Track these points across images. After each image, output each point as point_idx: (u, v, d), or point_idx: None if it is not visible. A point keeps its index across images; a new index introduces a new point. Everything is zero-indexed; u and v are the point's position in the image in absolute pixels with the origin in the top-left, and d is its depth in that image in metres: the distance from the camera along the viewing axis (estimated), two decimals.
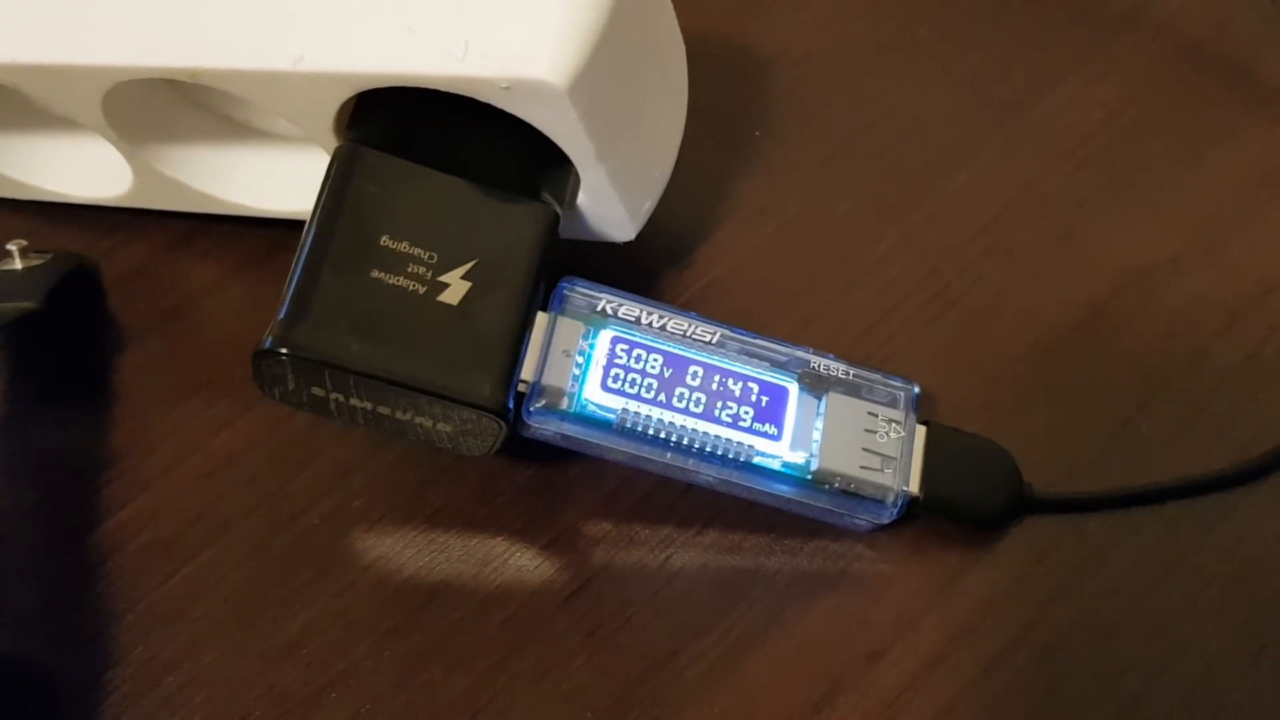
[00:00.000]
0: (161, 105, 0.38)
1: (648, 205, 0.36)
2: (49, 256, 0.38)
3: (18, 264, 0.37)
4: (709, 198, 0.41)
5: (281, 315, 0.31)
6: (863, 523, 0.33)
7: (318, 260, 0.31)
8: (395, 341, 0.31)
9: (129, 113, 0.36)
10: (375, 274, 0.31)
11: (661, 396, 0.32)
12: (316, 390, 0.31)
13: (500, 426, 0.31)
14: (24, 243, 0.38)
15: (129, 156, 0.37)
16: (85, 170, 0.40)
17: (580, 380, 0.32)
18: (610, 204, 0.34)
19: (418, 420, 0.31)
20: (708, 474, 0.33)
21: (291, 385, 0.31)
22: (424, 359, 0.31)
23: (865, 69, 0.43)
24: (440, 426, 0.31)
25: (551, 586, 0.34)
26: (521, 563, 0.35)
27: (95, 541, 0.35)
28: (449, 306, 0.31)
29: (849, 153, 0.42)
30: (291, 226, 0.39)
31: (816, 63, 0.43)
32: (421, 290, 0.31)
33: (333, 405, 0.32)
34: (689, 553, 0.34)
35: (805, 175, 0.41)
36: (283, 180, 0.39)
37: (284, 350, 0.30)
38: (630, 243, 0.36)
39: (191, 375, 0.38)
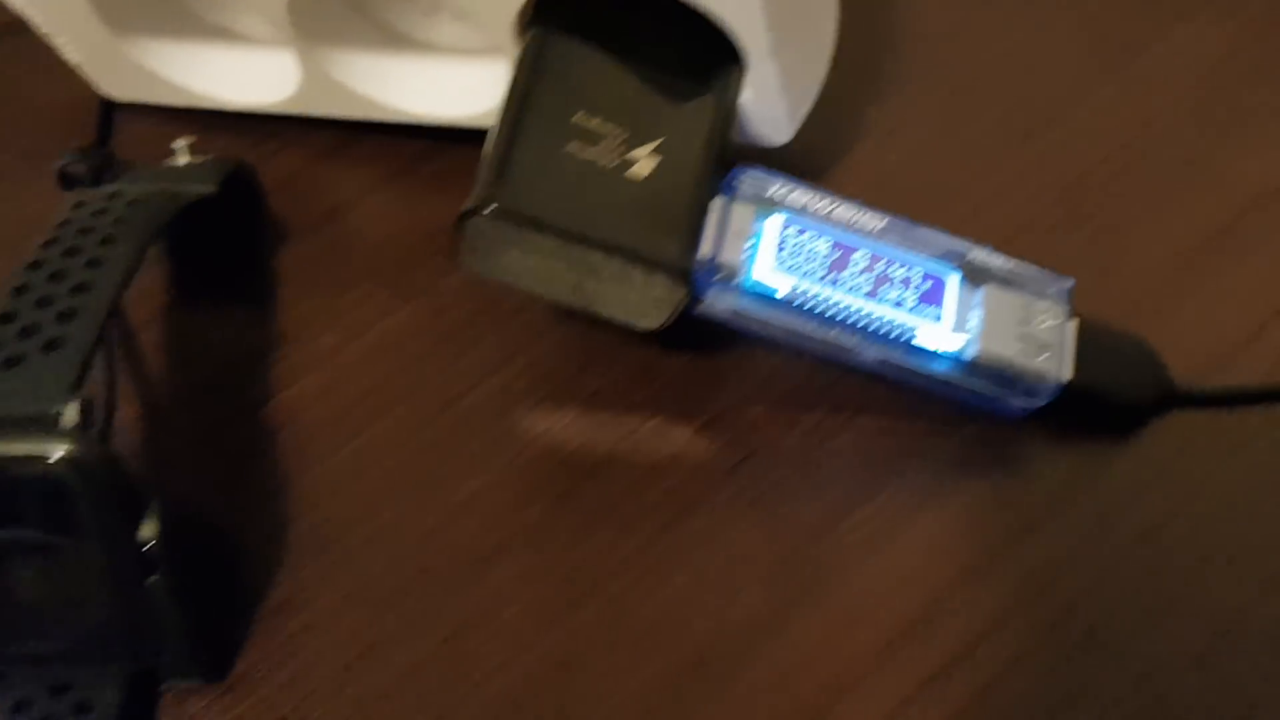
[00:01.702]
0: (337, 12, 0.40)
1: (804, 109, 0.37)
2: (209, 158, 0.39)
3: (185, 160, 0.39)
4: (843, 119, 0.42)
5: (486, 180, 0.32)
6: (1015, 407, 0.35)
7: (516, 134, 0.33)
8: (591, 207, 0.33)
9: (309, 16, 0.38)
10: (570, 147, 0.33)
11: (829, 276, 0.34)
12: (511, 255, 0.33)
13: (682, 292, 0.32)
14: (192, 139, 0.39)
15: (302, 58, 0.39)
16: (248, 77, 0.42)
17: (752, 259, 0.34)
18: (773, 102, 0.36)
19: (603, 288, 0.33)
20: (870, 353, 0.34)
21: (488, 249, 0.33)
22: (617, 224, 0.33)
23: (990, 7, 0.45)
24: (623, 294, 0.33)
25: (712, 460, 0.35)
26: (681, 440, 0.36)
27: (268, 415, 0.36)
28: (638, 180, 0.33)
29: (976, 84, 0.43)
30: (437, 139, 0.41)
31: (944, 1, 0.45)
32: (613, 164, 0.33)
33: (523, 272, 0.34)
34: (843, 435, 0.36)
35: (934, 103, 0.43)
36: (440, 88, 0.40)
37: (492, 208, 0.32)
38: (767, 157, 0.38)
39: (349, 270, 0.40)
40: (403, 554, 0.34)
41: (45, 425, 0.28)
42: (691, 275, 0.32)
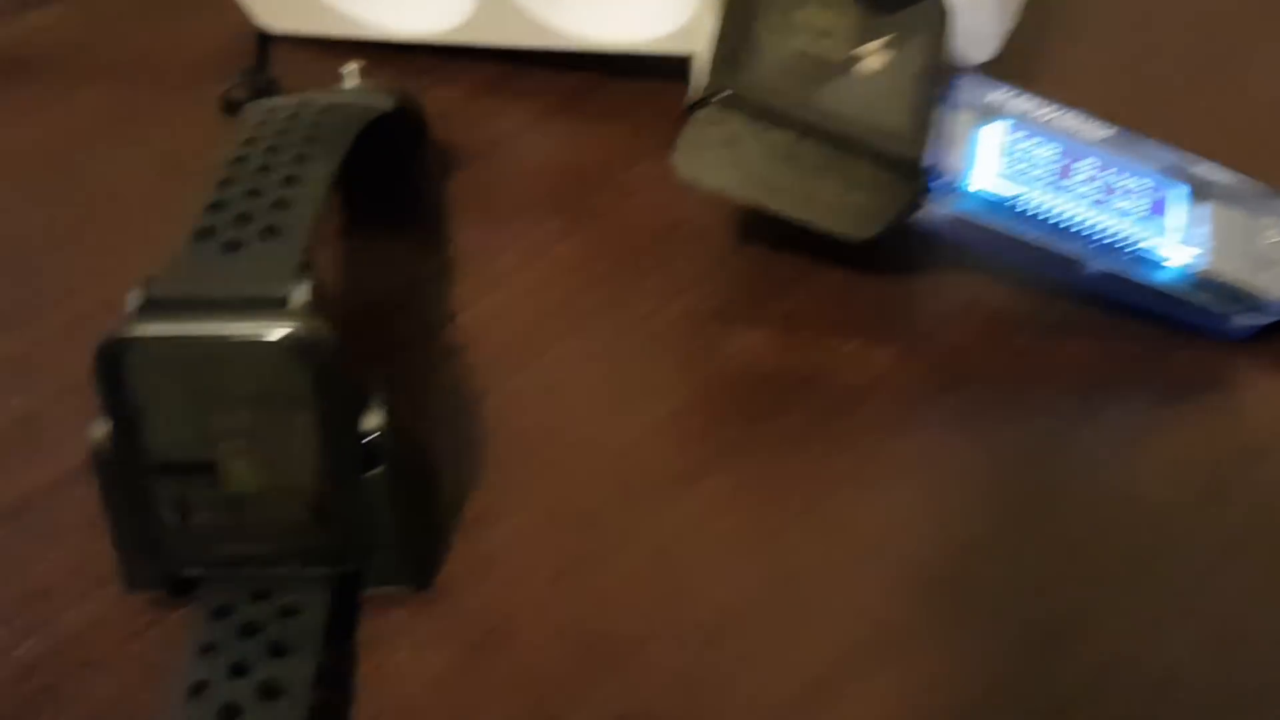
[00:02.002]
0: None
1: (1008, 26, 0.36)
2: (376, 83, 0.38)
3: (353, 85, 0.38)
4: (1027, 53, 0.41)
5: (717, 70, 0.32)
6: (1237, 326, 0.33)
7: (745, 26, 0.32)
8: (822, 100, 0.31)
9: None
10: (798, 41, 0.32)
11: (1056, 184, 0.32)
12: (730, 154, 0.32)
13: (913, 191, 0.31)
14: (362, 63, 0.38)
15: None
16: (415, 3, 0.40)
17: (975, 164, 0.33)
18: (983, 16, 0.35)
19: (823, 189, 0.32)
20: (1094, 266, 0.32)
21: (708, 147, 0.32)
22: (849, 118, 0.31)
23: None
24: (844, 197, 0.32)
25: (919, 383, 0.34)
26: (884, 362, 0.35)
27: (450, 333, 0.35)
28: (867, 75, 0.32)
29: (1154, 20, 0.43)
30: (599, 73, 0.41)
31: None
32: (842, 58, 0.31)
33: (739, 175, 0.33)
34: (1054, 359, 0.34)
35: (1115, 37, 0.42)
36: (617, 11, 0.39)
37: (724, 95, 0.31)
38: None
39: (520, 196, 0.39)
40: (602, 470, 0.32)
41: (274, 305, 0.27)
42: (923, 171, 0.30)
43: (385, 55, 0.41)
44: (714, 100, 0.30)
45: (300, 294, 0.27)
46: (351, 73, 0.37)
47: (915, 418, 0.33)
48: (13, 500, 0.32)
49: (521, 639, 0.29)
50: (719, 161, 0.31)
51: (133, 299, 0.27)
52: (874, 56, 0.32)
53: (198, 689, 0.26)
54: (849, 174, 0.31)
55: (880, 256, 0.35)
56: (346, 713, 0.28)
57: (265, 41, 0.42)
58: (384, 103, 0.35)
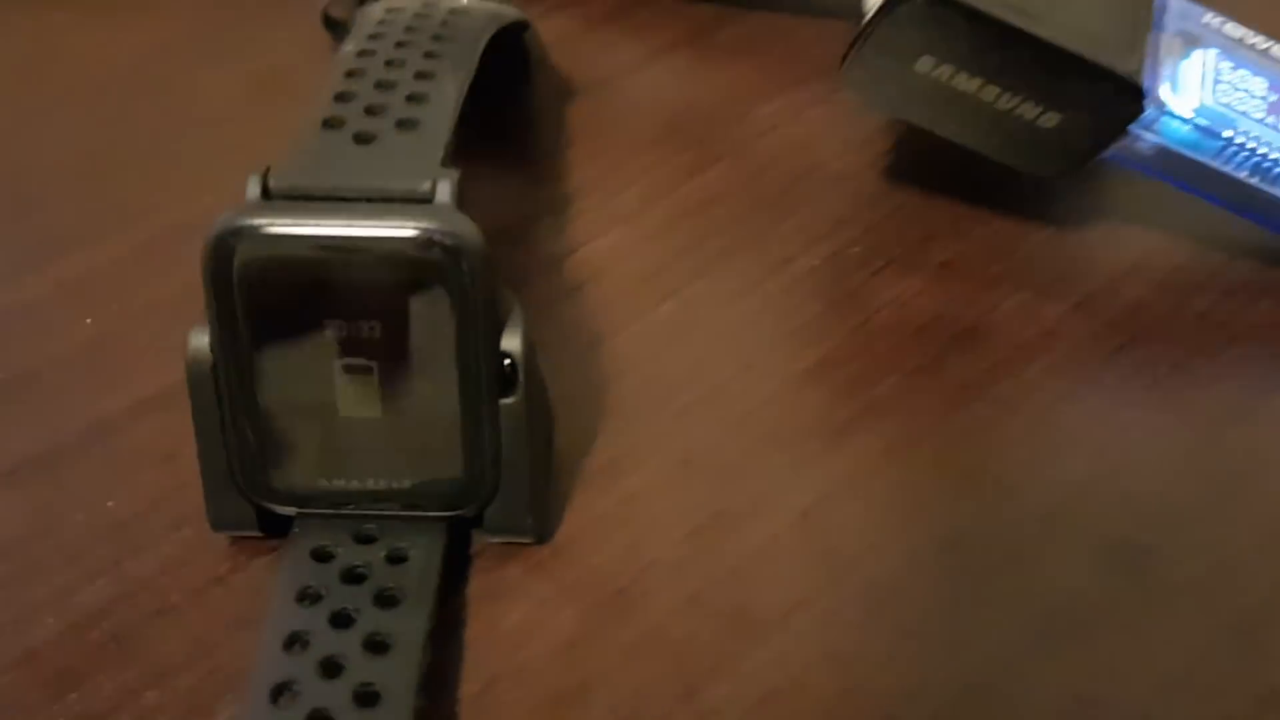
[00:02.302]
0: None
1: None
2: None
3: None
4: None
5: None
6: None
7: None
8: (1032, 8, 0.28)
9: None
10: None
11: (1268, 120, 0.28)
12: (924, 63, 0.29)
13: (1130, 112, 0.27)
14: None
15: None
16: None
17: (1181, 93, 0.29)
18: None
19: (1021, 109, 0.29)
20: None
21: (894, 55, 0.29)
22: (1061, 28, 0.28)
23: None
24: (1045, 118, 0.28)
25: (1092, 341, 0.30)
26: (1051, 318, 0.31)
27: (571, 268, 0.32)
28: None
29: None
30: (725, 5, 0.38)
31: None
32: None
33: (923, 92, 0.29)
34: (1241, 320, 0.31)
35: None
36: None
37: None
38: None
39: (643, 130, 0.36)
40: (743, 420, 0.28)
41: (416, 201, 0.24)
42: (1143, 91, 0.26)
43: None
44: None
45: (445, 189, 0.23)
46: None
47: (1089, 379, 0.29)
48: (81, 429, 0.28)
49: (653, 602, 0.25)
50: (899, 76, 0.28)
51: (251, 187, 0.23)
52: None
53: (294, 640, 0.23)
54: (1057, 94, 0.28)
55: (1044, 204, 0.33)
56: (457, 675, 0.24)
57: None
58: (511, 12, 0.31)
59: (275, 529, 0.26)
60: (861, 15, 0.30)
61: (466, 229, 0.23)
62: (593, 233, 0.32)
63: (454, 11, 0.30)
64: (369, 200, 0.23)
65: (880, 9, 0.27)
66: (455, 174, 0.24)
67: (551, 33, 0.37)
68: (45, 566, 0.26)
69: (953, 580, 0.26)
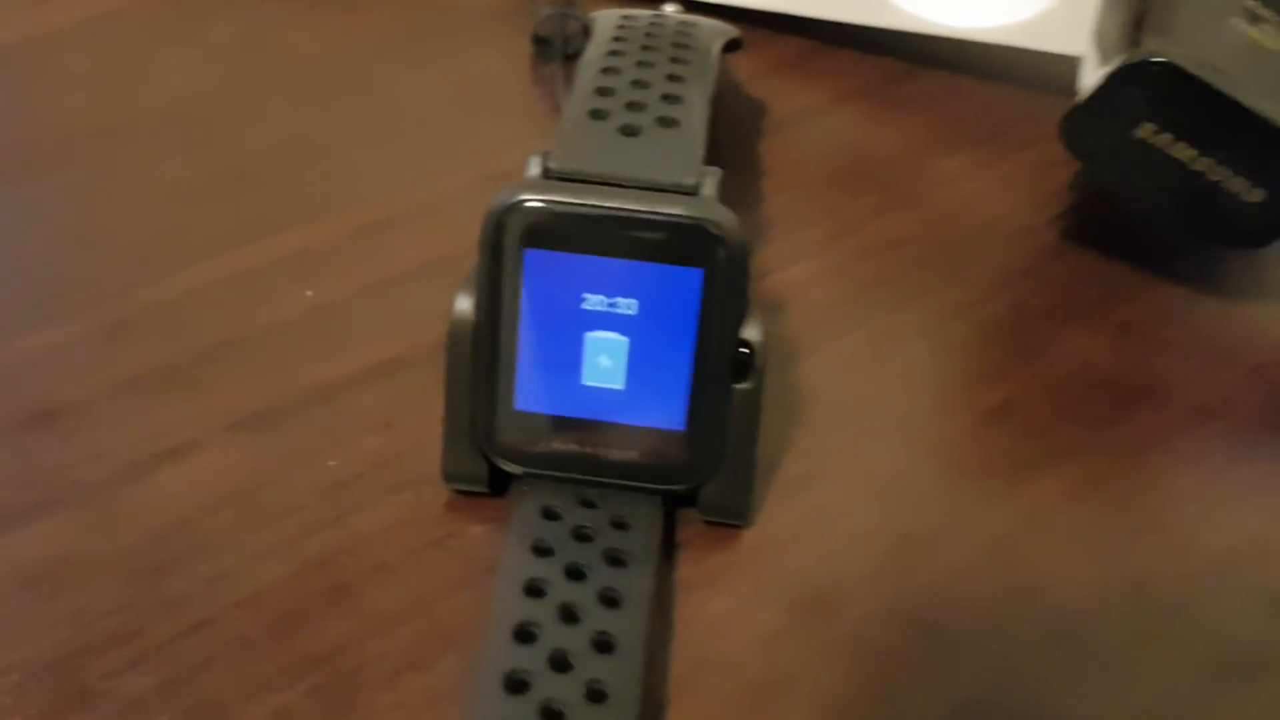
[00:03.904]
0: None
1: None
2: None
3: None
4: None
5: (1142, 36, 0.30)
6: None
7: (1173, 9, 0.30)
8: (1257, 83, 0.29)
9: None
10: (1233, 20, 0.30)
11: None
12: (1146, 129, 0.30)
13: None
14: (680, 6, 0.37)
15: None
16: None
17: None
18: None
19: (1231, 182, 0.30)
20: None
21: (1114, 116, 0.30)
22: None
23: None
24: (1252, 192, 0.30)
25: (1264, 408, 0.32)
26: (1227, 385, 0.32)
27: (764, 291, 0.34)
28: None
29: None
30: (911, 60, 0.40)
31: None
32: (1277, 46, 0.29)
33: (1144, 154, 0.30)
34: None
35: None
36: None
37: (1159, 60, 0.29)
38: None
39: (829, 170, 0.37)
40: (931, 451, 0.30)
41: (684, 192, 0.26)
42: None
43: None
44: (1151, 62, 0.27)
45: (711, 184, 0.25)
46: (676, 10, 0.36)
47: (1261, 442, 0.31)
48: (301, 391, 0.30)
49: (850, 609, 0.27)
50: (1116, 137, 0.29)
51: (532, 166, 0.25)
52: None
53: (534, 587, 0.24)
54: (1271, 171, 0.30)
55: (1215, 274, 0.34)
56: (666, 652, 0.25)
57: None
58: (730, 29, 0.34)
59: (498, 488, 0.27)
60: (1075, 91, 0.31)
61: (731, 221, 0.25)
62: (783, 261, 0.34)
63: (684, 22, 0.31)
64: (642, 187, 0.25)
65: (1117, 71, 0.29)
66: (718, 172, 0.25)
67: (736, 71, 0.39)
68: (270, 515, 0.27)
69: (1132, 616, 0.27)
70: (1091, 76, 0.30)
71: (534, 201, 0.24)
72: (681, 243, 0.24)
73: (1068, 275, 0.34)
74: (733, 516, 0.27)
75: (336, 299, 0.32)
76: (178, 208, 0.34)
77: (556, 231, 0.25)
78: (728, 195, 0.26)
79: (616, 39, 0.29)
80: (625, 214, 0.24)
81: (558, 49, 0.37)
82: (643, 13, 0.32)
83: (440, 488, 0.28)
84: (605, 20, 0.31)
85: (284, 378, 0.30)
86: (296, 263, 0.33)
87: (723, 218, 0.24)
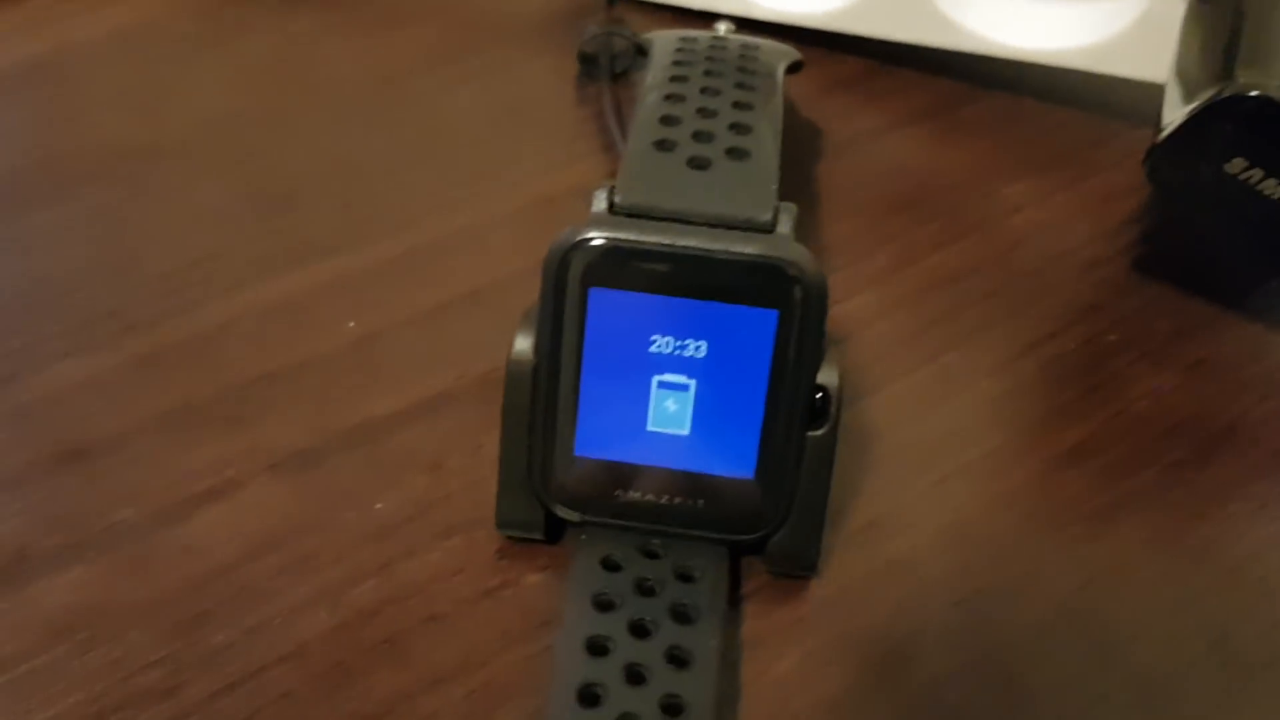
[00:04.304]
0: None
1: None
2: None
3: None
4: None
5: (1234, 67, 0.28)
6: None
7: (1266, 28, 0.29)
8: None
9: None
10: None
11: None
12: (1236, 164, 0.28)
13: None
14: (733, 25, 0.35)
15: None
16: None
17: None
18: None
19: None
20: None
21: (1215, 150, 0.29)
22: None
23: None
24: None
25: None
26: None
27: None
28: None
29: None
30: (973, 82, 0.39)
31: None
32: None
33: (1231, 190, 0.29)
34: None
35: None
36: (1023, 13, 0.36)
37: (1255, 95, 0.27)
38: None
39: (890, 196, 0.36)
40: (1005, 495, 0.29)
41: (758, 229, 0.24)
42: None
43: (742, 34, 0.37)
44: (1242, 97, 0.26)
45: (787, 221, 0.24)
46: (729, 30, 0.34)
47: None
48: (346, 429, 0.28)
49: (925, 665, 0.25)
50: (1204, 172, 0.28)
51: (597, 202, 0.23)
52: None
53: (597, 645, 0.23)
54: None
55: None
56: (734, 715, 0.24)
57: (613, 2, 0.39)
58: (792, 51, 0.33)
59: (553, 535, 0.26)
60: (1136, 114, 0.30)
61: (809, 260, 0.23)
62: (847, 291, 0.32)
63: (746, 45, 0.30)
64: (714, 223, 0.24)
65: (1206, 105, 0.27)
66: (793, 207, 0.24)
67: (792, 90, 0.37)
68: (314, 562, 0.26)
69: (1217, 675, 0.26)
70: (1174, 105, 0.28)
71: (600, 239, 0.23)
72: (757, 283, 0.23)
73: (1138, 309, 0.33)
74: (801, 568, 0.25)
75: (380, 329, 0.30)
76: (212, 232, 0.33)
77: (623, 271, 0.23)
78: None
79: (677, 63, 0.28)
80: (698, 253, 0.23)
81: (604, 68, 0.36)
82: (702, 34, 0.31)
83: (492, 532, 0.26)
84: (664, 43, 0.29)
85: (327, 414, 0.28)
86: (337, 291, 0.31)
87: (801, 257, 0.23)
